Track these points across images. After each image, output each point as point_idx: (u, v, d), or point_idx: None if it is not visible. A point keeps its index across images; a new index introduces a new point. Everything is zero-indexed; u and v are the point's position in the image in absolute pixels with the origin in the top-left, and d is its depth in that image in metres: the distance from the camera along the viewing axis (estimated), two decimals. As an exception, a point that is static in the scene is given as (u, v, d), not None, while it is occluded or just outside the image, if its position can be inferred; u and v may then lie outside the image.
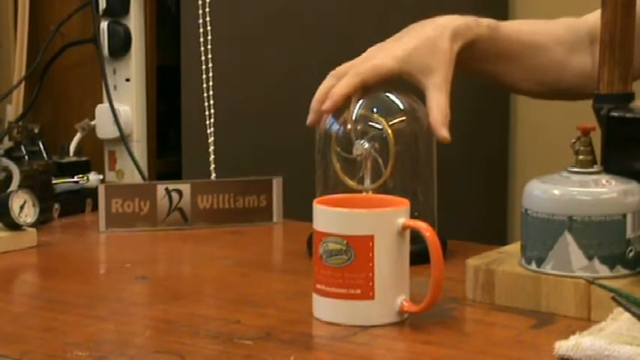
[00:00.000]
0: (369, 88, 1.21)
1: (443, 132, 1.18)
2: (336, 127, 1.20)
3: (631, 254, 1.02)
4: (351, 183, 1.18)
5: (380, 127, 1.18)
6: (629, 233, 1.02)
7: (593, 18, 1.28)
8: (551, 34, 1.32)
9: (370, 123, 1.18)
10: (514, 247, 1.10)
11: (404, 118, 1.20)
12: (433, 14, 1.26)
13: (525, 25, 1.33)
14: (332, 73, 1.24)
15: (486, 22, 1.27)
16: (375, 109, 1.20)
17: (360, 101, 1.20)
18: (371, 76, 1.20)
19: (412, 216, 1.01)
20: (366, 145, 1.17)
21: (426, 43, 1.21)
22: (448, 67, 1.21)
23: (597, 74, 1.11)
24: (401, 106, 1.21)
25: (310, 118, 1.23)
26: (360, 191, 1.17)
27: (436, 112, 1.19)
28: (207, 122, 1.57)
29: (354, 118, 1.19)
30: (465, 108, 2.05)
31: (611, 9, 1.10)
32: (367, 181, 1.17)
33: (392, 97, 1.21)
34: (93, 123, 1.65)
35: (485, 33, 1.26)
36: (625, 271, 1.02)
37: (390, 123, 1.19)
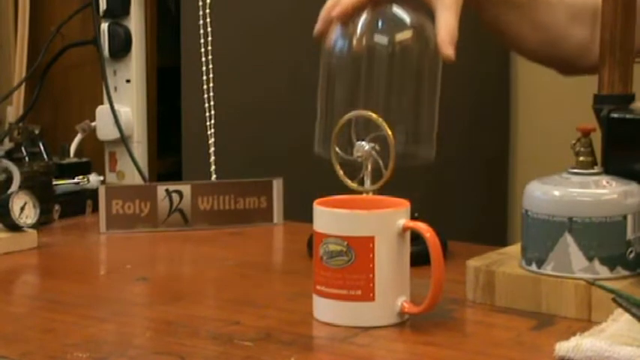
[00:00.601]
0: (380, 2, 1.19)
1: (449, 51, 1.15)
2: (341, 42, 1.19)
3: (631, 255, 1.02)
4: (352, 184, 1.18)
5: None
6: (630, 234, 1.02)
7: None
8: None
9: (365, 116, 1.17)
10: (514, 249, 1.10)
11: (410, 33, 1.19)
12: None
13: None
14: None
15: None
16: (380, 23, 1.19)
17: (365, 15, 1.19)
18: None
19: (412, 217, 1.01)
20: (367, 147, 1.16)
21: None
22: None
23: (595, 48, 1.10)
24: (408, 22, 1.19)
25: (318, 27, 1.21)
26: (361, 192, 1.17)
27: (444, 31, 1.16)
28: (208, 123, 1.57)
29: (358, 32, 1.18)
30: (465, 108, 2.06)
31: (611, 9, 1.10)
32: (368, 182, 1.17)
33: (400, 12, 1.20)
34: (93, 124, 1.65)
35: None
36: (625, 273, 1.02)
37: (397, 39, 1.18)
